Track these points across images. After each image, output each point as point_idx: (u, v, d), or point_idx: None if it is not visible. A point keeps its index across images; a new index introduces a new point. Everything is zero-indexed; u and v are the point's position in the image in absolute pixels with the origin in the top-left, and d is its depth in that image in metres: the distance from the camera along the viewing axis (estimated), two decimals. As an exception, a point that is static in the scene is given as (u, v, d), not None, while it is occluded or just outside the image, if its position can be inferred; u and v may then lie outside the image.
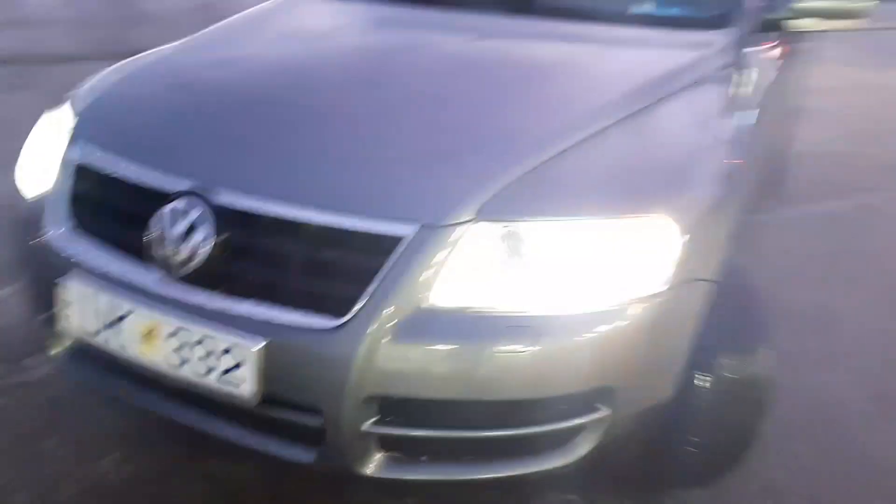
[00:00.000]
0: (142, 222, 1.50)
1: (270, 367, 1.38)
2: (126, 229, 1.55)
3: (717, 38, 2.10)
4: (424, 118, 1.70)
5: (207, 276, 1.44)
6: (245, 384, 1.39)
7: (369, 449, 1.46)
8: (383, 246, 1.37)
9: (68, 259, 1.59)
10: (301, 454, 1.48)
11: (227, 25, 2.39)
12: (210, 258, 1.43)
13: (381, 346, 1.35)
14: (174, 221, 1.46)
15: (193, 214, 1.45)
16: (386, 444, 1.46)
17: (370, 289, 1.35)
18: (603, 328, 1.40)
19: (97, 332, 1.52)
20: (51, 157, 1.78)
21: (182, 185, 1.50)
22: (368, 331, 1.34)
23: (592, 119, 1.65)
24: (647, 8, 2.37)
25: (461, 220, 1.38)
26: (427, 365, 1.38)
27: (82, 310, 1.53)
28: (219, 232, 1.44)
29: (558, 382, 1.42)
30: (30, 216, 1.72)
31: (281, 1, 2.61)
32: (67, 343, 1.65)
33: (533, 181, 1.47)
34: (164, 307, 1.45)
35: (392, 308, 1.35)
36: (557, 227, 1.42)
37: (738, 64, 2.07)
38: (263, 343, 1.37)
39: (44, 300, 1.65)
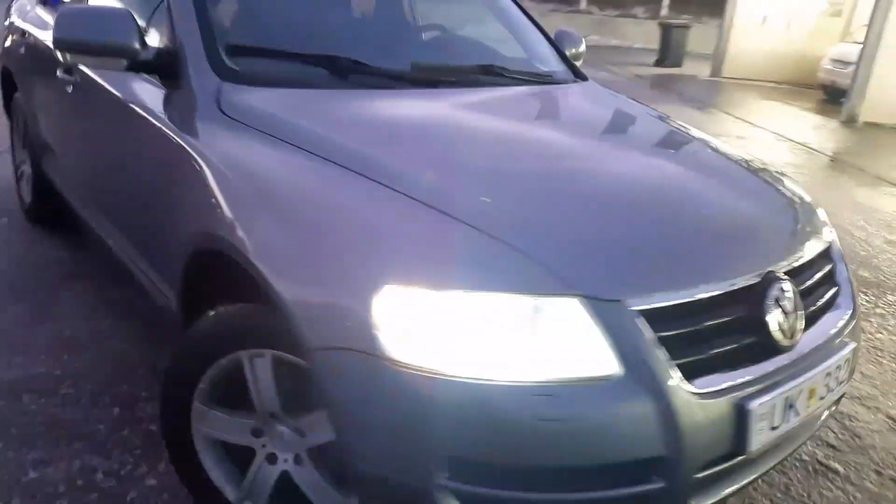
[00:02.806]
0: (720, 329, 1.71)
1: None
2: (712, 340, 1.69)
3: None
4: (674, 191, 2.11)
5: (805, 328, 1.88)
6: (846, 381, 1.97)
7: None
8: (829, 273, 2.11)
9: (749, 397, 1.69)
10: None
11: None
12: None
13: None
14: (782, 303, 1.78)
15: (789, 292, 1.80)
16: None
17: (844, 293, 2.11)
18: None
19: (780, 426, 1.73)
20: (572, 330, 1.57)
21: (750, 280, 1.77)
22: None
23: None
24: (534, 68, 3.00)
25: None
26: None
27: (770, 418, 1.73)
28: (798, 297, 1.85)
29: None
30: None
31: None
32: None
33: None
34: (810, 369, 1.82)
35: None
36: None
37: None
38: (855, 344, 2.00)
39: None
